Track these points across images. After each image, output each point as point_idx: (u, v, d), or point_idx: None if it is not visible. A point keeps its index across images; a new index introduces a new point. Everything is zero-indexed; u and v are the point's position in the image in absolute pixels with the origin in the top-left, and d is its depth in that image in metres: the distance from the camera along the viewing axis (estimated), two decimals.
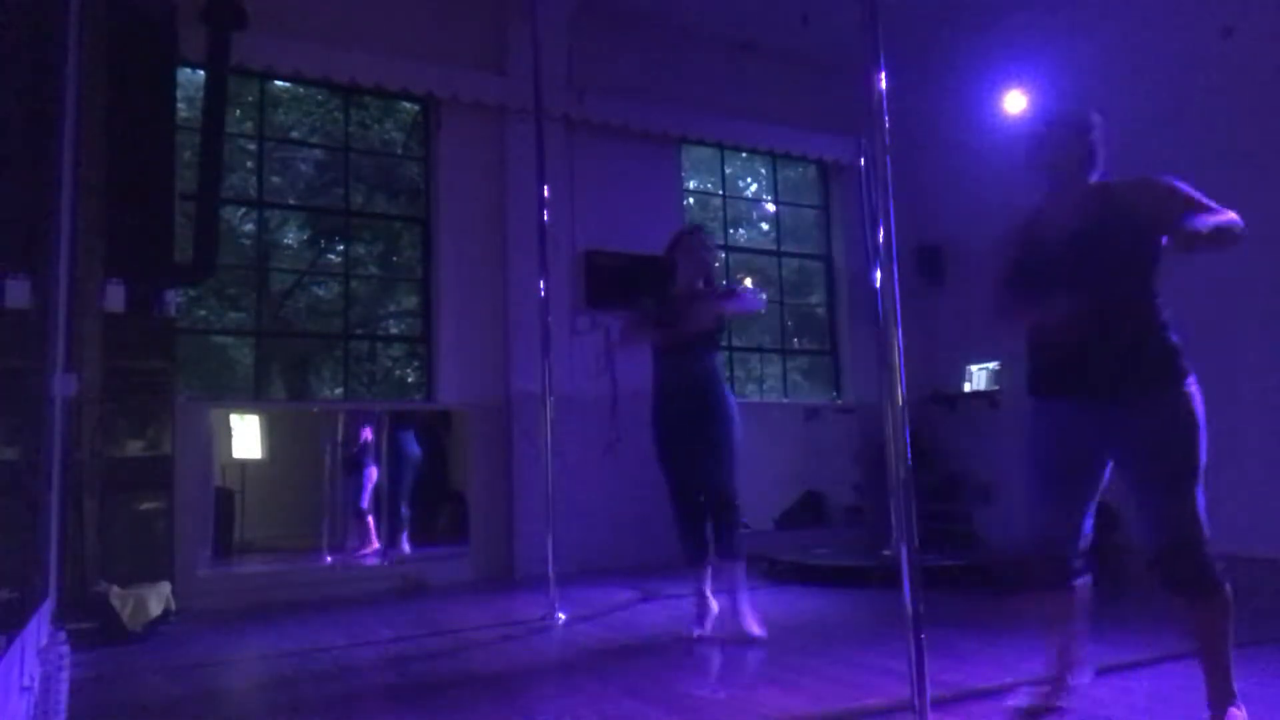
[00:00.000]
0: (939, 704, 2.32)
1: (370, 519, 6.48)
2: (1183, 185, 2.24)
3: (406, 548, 6.29)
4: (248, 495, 7.13)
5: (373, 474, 6.52)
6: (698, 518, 3.67)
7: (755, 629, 3.50)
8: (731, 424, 3.64)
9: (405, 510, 6.41)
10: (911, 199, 7.44)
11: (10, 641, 2.07)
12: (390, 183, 7.11)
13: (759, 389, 7.71)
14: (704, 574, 3.70)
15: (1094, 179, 2.39)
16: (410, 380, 7.64)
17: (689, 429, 3.63)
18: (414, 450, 6.53)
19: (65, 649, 2.65)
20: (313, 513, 7.06)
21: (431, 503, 6.93)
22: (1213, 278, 5.31)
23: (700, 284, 3.81)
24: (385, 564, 6.05)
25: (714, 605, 3.70)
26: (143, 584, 4.08)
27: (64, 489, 3.92)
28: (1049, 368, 2.37)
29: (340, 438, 6.71)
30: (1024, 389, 2.46)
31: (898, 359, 2.20)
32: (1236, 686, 2.21)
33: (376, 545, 6.37)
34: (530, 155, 4.83)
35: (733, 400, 3.70)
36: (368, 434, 6.54)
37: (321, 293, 8.41)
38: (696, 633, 3.60)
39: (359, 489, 6.57)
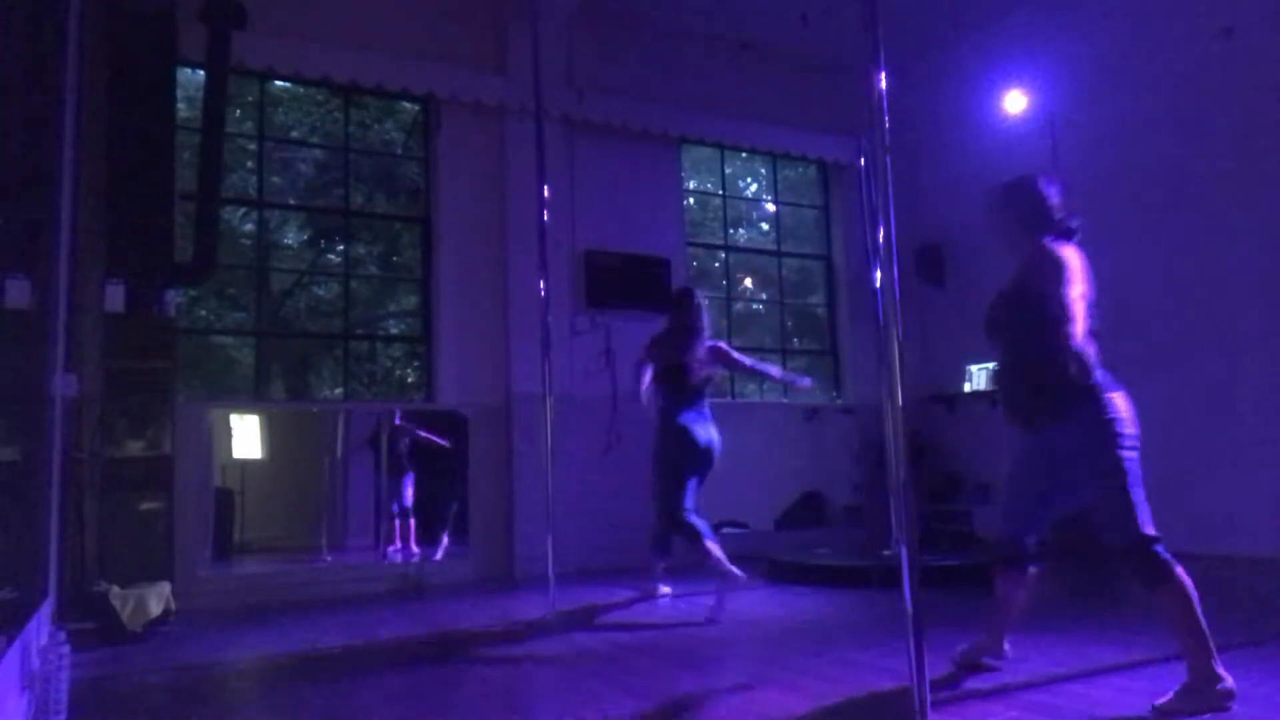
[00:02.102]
0: (939, 704, 2.32)
1: (412, 520, 6.67)
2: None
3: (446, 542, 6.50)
4: (248, 495, 7.13)
5: (411, 479, 6.74)
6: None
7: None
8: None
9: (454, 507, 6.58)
10: (911, 199, 7.44)
11: (10, 641, 2.07)
12: (390, 183, 7.11)
13: (759, 389, 7.71)
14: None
15: (1044, 239, 2.59)
16: (410, 380, 7.64)
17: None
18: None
19: (65, 649, 2.65)
20: (313, 513, 7.07)
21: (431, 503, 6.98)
22: (1214, 279, 5.32)
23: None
24: (384, 564, 6.05)
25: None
26: (143, 584, 4.08)
27: (64, 489, 3.92)
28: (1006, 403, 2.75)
29: (387, 440, 6.89)
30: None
31: (898, 359, 2.20)
32: (1237, 685, 2.22)
33: (415, 549, 6.51)
34: (530, 155, 4.83)
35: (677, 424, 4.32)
36: (417, 435, 6.74)
37: (321, 293, 8.41)
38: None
39: (401, 490, 6.74)
